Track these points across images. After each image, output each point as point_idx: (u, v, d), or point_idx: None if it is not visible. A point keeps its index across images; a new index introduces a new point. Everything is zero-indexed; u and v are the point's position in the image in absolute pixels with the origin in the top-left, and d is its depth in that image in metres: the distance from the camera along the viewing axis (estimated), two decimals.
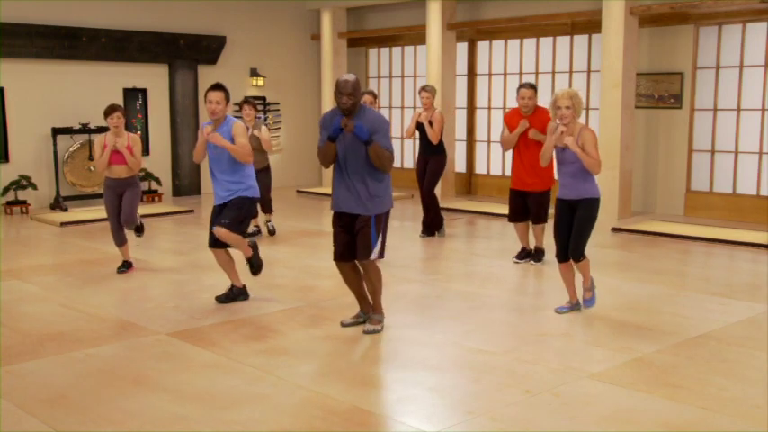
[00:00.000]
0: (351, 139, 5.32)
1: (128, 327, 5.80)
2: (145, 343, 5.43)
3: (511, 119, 7.75)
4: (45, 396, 4.46)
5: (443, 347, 5.35)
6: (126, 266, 7.54)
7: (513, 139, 7.66)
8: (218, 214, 6.23)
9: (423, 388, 4.58)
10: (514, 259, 7.94)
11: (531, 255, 7.94)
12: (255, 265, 6.52)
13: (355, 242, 5.45)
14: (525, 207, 7.82)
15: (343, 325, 5.72)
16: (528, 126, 7.54)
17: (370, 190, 5.39)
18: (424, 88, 8.95)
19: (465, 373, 4.85)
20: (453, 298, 6.67)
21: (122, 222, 7.43)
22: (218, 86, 6.16)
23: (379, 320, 5.57)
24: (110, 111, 7.33)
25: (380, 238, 5.47)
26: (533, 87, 7.65)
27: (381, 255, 5.50)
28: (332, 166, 5.51)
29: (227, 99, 6.17)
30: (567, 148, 5.72)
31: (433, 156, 8.98)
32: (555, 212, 5.99)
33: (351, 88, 5.26)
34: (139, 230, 7.69)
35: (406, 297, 6.65)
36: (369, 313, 5.73)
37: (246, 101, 9.03)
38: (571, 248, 5.85)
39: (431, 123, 8.82)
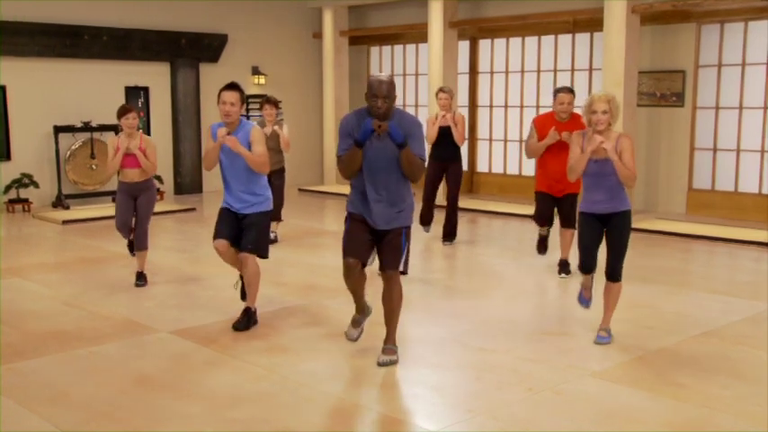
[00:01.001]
0: (380, 146, 4.72)
1: (130, 325, 5.81)
2: (147, 341, 5.43)
3: (542, 125, 7.00)
4: (47, 394, 4.46)
5: (444, 346, 5.35)
6: (133, 247, 7.20)
7: (540, 148, 6.97)
8: (232, 228, 5.70)
9: (424, 386, 4.59)
10: (562, 275, 7.24)
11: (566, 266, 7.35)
12: (250, 320, 5.74)
13: (382, 251, 4.92)
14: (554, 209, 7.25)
15: (353, 339, 5.27)
16: (558, 138, 6.81)
17: (403, 198, 4.86)
18: (441, 89, 8.38)
19: (466, 372, 4.85)
20: (454, 296, 6.68)
21: (134, 238, 6.98)
22: (233, 86, 5.59)
23: (393, 350, 4.97)
24: (124, 111, 6.85)
25: (407, 249, 4.97)
26: (572, 92, 6.96)
27: (405, 269, 4.90)
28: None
29: (243, 100, 5.61)
30: (607, 159, 5.09)
31: (454, 162, 8.47)
32: (580, 225, 5.43)
33: (386, 90, 4.62)
34: (133, 248, 7.08)
35: (408, 295, 6.61)
36: (366, 311, 5.53)
37: (268, 99, 8.66)
38: (611, 269, 5.26)
39: (455, 125, 8.36)
